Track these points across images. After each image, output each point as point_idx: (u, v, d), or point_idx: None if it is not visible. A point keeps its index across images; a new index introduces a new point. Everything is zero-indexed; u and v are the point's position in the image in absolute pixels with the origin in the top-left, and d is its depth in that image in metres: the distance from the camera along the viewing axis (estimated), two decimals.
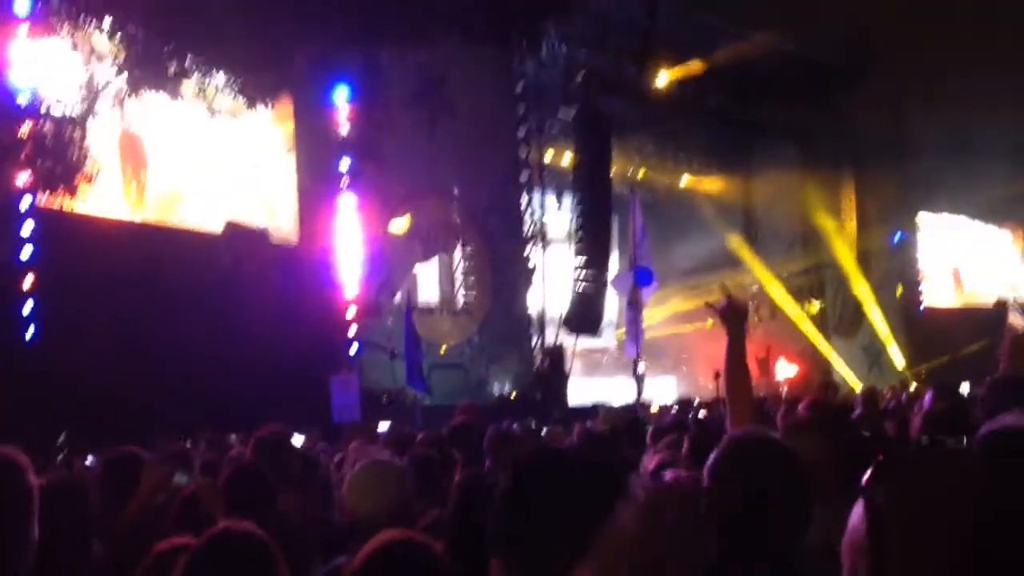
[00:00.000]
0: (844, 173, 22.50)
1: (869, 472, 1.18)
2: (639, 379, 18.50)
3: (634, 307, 18.60)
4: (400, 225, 17.21)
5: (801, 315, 23.02)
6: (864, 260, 23.32)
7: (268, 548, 2.53)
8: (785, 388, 19.48)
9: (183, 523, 3.76)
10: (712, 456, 2.50)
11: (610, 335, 22.77)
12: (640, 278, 18.83)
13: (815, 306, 23.34)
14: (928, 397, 5.67)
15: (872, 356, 23.10)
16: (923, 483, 1.14)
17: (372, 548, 2.41)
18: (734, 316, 3.43)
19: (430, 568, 2.33)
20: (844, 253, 23.13)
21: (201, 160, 13.75)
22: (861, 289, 23.06)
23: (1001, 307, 23.71)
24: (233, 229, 13.56)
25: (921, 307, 24.42)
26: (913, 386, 19.05)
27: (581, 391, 19.37)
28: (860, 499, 1.17)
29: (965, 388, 8.90)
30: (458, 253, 19.63)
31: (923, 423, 4.78)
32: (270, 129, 14.80)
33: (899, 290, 23.61)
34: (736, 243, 22.88)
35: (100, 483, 4.33)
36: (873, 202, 22.81)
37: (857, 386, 20.09)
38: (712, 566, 2.34)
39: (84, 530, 2.98)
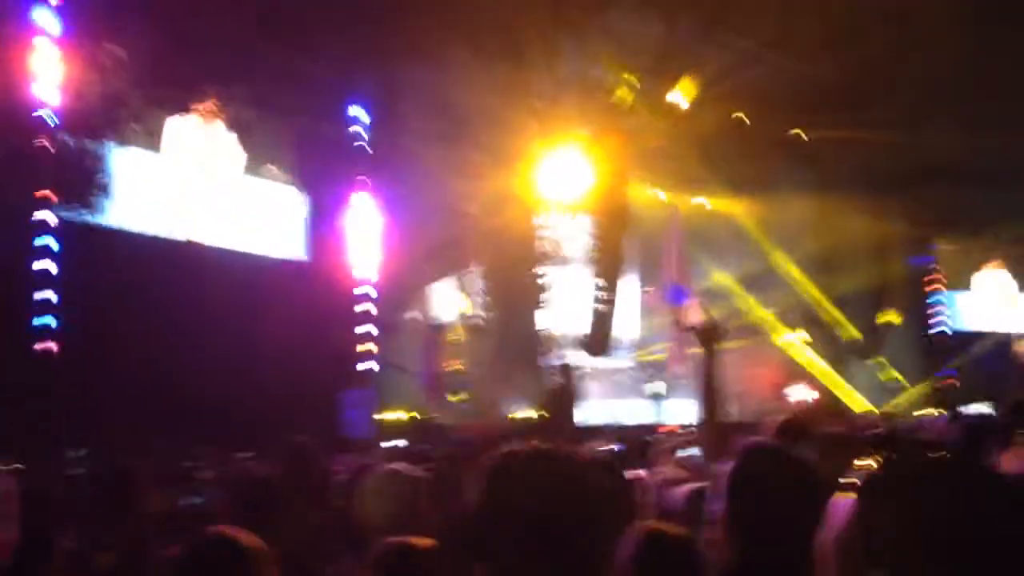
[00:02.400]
0: (860, 197, 22.42)
1: (867, 476, 1.17)
2: (657, 399, 18.44)
3: (676, 325, 18.60)
4: None
5: (797, 342, 22.91)
6: (880, 285, 23.21)
7: (252, 554, 2.52)
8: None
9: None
10: (730, 469, 2.50)
11: (624, 356, 22.68)
12: (673, 296, 18.79)
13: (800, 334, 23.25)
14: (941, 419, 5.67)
15: (886, 380, 22.95)
16: (922, 493, 1.13)
17: (373, 555, 2.43)
18: (710, 337, 3.59)
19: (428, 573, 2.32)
20: (860, 280, 23.02)
21: (214, 174, 13.78)
22: (877, 315, 22.96)
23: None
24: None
25: (937, 331, 24.25)
26: (923, 411, 18.92)
27: (598, 412, 19.27)
28: (843, 497, 1.17)
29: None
30: (472, 270, 19.62)
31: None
32: (283, 145, 14.83)
33: (891, 316, 23.40)
34: (779, 261, 22.76)
35: (91, 495, 4.37)
36: (890, 227, 22.69)
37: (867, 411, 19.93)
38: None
39: (44, 532, 3.06)
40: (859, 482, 1.18)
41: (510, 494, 1.72)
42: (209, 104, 12.92)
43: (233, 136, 13.57)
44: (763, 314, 22.54)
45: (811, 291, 22.89)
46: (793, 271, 22.70)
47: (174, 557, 2.71)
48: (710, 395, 3.63)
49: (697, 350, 3.74)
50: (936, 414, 16.89)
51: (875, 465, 1.12)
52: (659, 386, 19.20)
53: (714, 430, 3.56)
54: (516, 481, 1.74)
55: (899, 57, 16.57)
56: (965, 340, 23.70)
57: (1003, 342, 23.26)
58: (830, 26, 14.81)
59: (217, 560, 2.57)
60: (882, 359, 23.16)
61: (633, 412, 19.68)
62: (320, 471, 4.66)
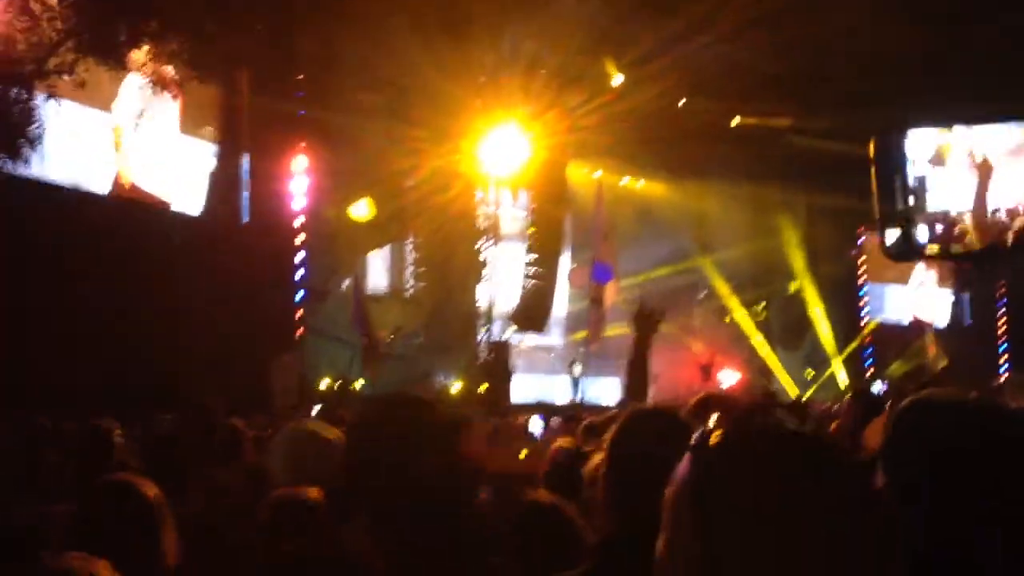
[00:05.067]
0: (794, 184, 22.80)
1: (701, 432, 1.23)
2: (575, 380, 18.64)
3: (596, 303, 18.74)
4: (362, 212, 17.11)
5: (748, 322, 23.29)
6: (814, 271, 23.65)
7: (149, 498, 2.59)
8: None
9: None
10: (612, 429, 2.54)
11: (557, 333, 22.87)
12: (597, 274, 18.96)
13: (761, 313, 23.64)
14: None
15: (813, 367, 23.42)
16: (746, 448, 1.19)
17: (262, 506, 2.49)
18: (645, 322, 3.67)
19: (313, 523, 2.39)
20: (793, 263, 23.50)
21: (146, 133, 13.59)
22: (806, 300, 23.45)
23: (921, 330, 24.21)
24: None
25: (863, 323, 24.80)
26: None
27: (524, 388, 19.42)
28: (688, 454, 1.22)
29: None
30: (410, 242, 19.61)
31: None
32: (220, 105, 14.64)
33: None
34: (691, 247, 23.08)
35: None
36: (823, 212, 23.12)
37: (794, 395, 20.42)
38: (607, 540, 2.39)
39: None
40: (696, 441, 1.25)
41: (371, 441, 1.76)
42: (145, 59, 12.68)
43: (168, 94, 13.36)
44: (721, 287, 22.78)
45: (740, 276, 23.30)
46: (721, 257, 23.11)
47: (77, 503, 2.75)
48: (636, 377, 3.66)
49: (622, 331, 3.87)
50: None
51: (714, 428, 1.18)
52: (578, 366, 19.42)
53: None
54: (375, 429, 1.78)
55: (835, 43, 16.79)
56: (892, 331, 24.37)
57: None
58: (766, 9, 15.00)
59: (115, 503, 2.62)
60: (818, 347, 23.63)
61: (558, 389, 19.88)
62: (225, 430, 4.69)
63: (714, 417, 1.25)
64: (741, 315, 23.35)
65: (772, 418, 1.37)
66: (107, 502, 2.67)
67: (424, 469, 1.74)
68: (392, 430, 1.78)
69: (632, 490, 2.31)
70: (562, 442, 4.09)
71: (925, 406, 1.76)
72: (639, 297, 17.58)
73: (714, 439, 1.20)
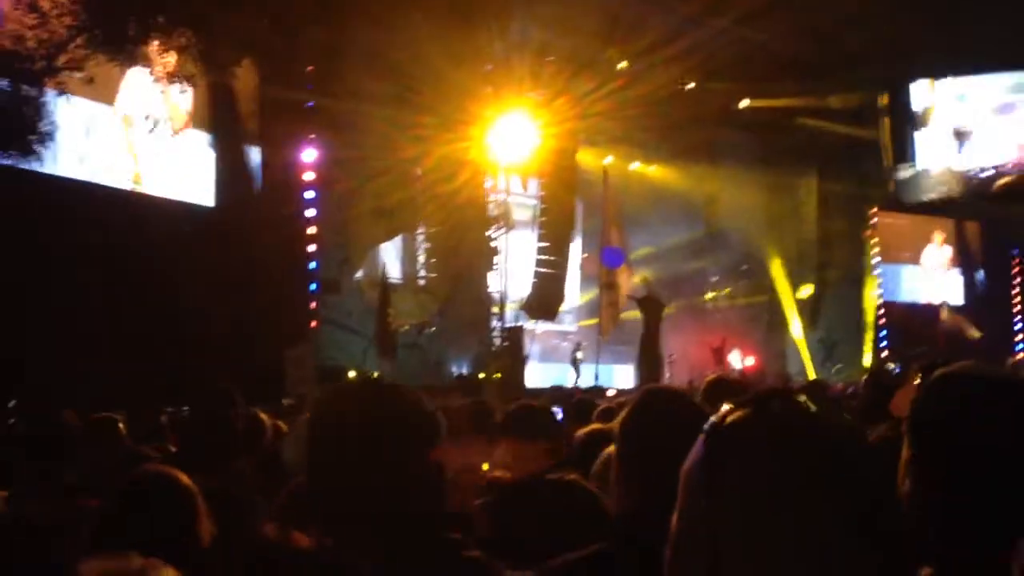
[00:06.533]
0: (807, 168, 22.69)
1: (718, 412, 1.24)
2: (576, 364, 18.72)
3: (608, 288, 18.76)
4: None
5: (789, 301, 23.18)
6: (825, 252, 23.56)
7: (188, 490, 2.57)
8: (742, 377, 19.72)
9: None
10: (626, 408, 2.53)
11: (570, 320, 22.88)
12: (608, 258, 18.94)
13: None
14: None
15: (827, 349, 23.31)
16: (757, 425, 1.20)
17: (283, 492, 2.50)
18: (651, 306, 3.74)
19: None
20: (805, 246, 23.42)
21: (153, 126, 13.59)
22: (818, 281, 23.39)
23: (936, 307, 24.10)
24: None
25: (878, 302, 24.66)
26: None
27: (540, 375, 19.45)
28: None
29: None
30: (421, 232, 19.61)
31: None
32: (229, 97, 14.63)
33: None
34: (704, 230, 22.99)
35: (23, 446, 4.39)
36: (834, 195, 23.03)
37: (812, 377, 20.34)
38: (622, 517, 2.38)
39: None
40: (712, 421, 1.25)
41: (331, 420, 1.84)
42: (155, 54, 12.68)
43: (177, 87, 13.35)
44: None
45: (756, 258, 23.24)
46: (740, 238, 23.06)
47: (112, 495, 2.72)
48: (649, 362, 3.74)
49: (633, 316, 3.89)
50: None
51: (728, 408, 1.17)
52: (580, 352, 19.56)
53: None
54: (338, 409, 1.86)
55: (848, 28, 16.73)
56: (903, 310, 24.25)
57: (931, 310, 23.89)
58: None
59: (153, 495, 2.59)
60: (832, 328, 23.57)
61: (568, 376, 19.94)
62: (245, 419, 4.68)
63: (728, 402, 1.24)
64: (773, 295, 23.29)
65: (793, 401, 1.34)
66: (146, 494, 2.65)
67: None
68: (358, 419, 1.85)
69: (644, 466, 2.32)
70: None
71: (954, 377, 1.76)
72: (643, 284, 17.56)
73: (729, 419, 1.21)
